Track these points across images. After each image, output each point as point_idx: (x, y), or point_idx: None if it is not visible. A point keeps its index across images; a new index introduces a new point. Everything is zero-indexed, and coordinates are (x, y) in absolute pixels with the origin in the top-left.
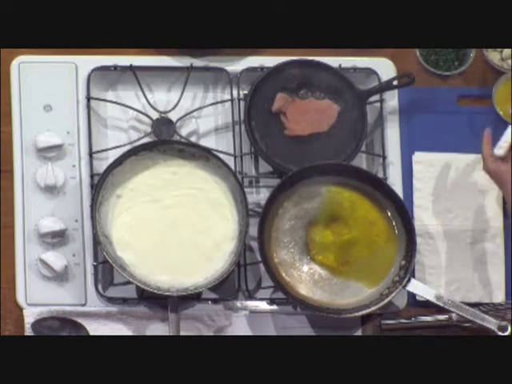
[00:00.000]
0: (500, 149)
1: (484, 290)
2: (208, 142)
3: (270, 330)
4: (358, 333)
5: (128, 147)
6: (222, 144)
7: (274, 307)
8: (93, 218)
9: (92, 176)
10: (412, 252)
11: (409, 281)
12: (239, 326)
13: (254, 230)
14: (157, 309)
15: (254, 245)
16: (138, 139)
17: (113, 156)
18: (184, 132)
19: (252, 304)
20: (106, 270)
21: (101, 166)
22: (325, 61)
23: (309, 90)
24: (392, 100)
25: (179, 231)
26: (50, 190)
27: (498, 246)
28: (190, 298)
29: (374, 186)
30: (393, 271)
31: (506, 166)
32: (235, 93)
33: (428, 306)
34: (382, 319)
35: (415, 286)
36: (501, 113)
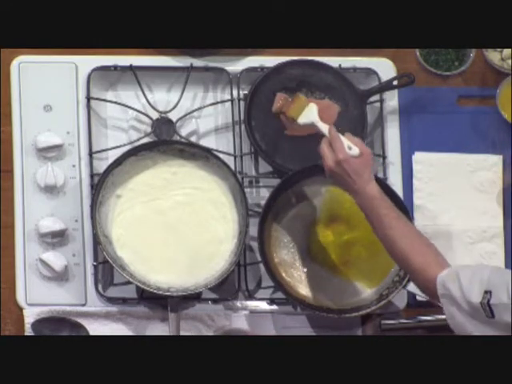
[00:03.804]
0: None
1: None
2: (208, 142)
3: (270, 330)
4: (358, 333)
5: (128, 147)
6: (222, 144)
7: (274, 307)
8: (93, 217)
9: (92, 176)
10: None
11: (409, 281)
12: (239, 326)
13: (254, 230)
14: (157, 309)
15: (254, 245)
16: (138, 139)
17: (113, 156)
18: (184, 132)
19: (252, 304)
20: (106, 269)
21: (101, 166)
22: (325, 61)
23: (309, 90)
24: (392, 100)
25: (179, 231)
26: (50, 189)
27: (497, 245)
28: (190, 297)
29: None
30: (393, 271)
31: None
32: (235, 93)
33: (428, 306)
34: (381, 319)
35: (415, 286)
36: (505, 115)
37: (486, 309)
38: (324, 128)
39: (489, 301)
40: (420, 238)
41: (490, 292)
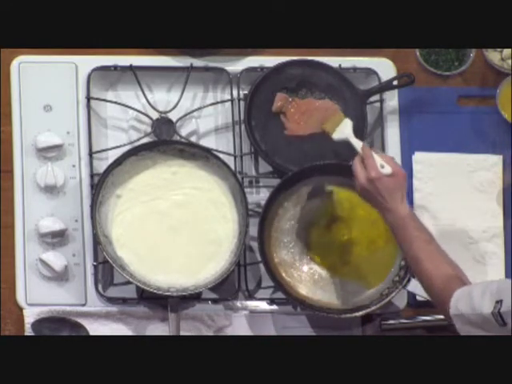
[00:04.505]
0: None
1: None
2: (208, 142)
3: (270, 330)
4: (358, 333)
5: (128, 147)
6: (222, 144)
7: (274, 307)
8: (93, 217)
9: (92, 176)
10: None
11: (409, 281)
12: (239, 326)
13: (254, 230)
14: (157, 309)
15: (254, 245)
16: (138, 139)
17: (113, 156)
18: (184, 132)
19: (252, 304)
20: (106, 269)
21: (101, 166)
22: (325, 61)
23: (309, 90)
24: (392, 100)
25: (179, 231)
26: (50, 189)
27: (497, 246)
28: (190, 297)
29: None
30: (393, 271)
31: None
32: (235, 93)
33: (428, 306)
34: (382, 319)
35: (415, 286)
36: (505, 115)
37: (498, 318)
38: (357, 145)
39: (499, 310)
40: (447, 260)
41: (501, 301)
